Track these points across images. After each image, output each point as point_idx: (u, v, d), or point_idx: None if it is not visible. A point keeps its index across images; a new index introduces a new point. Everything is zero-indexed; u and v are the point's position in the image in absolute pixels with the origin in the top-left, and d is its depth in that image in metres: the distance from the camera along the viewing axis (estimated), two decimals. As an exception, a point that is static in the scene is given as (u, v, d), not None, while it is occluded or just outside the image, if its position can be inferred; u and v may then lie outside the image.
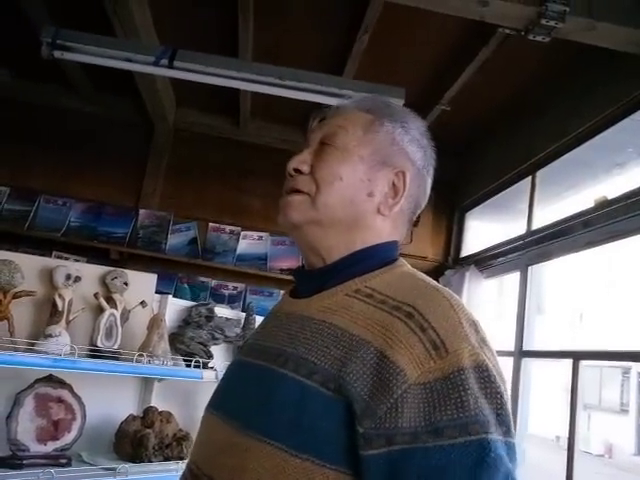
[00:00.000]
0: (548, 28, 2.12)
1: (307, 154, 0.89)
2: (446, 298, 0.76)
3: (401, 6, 2.23)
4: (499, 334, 3.53)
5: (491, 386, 0.68)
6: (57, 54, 2.48)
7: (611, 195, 2.54)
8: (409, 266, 0.87)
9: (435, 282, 0.81)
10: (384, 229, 0.89)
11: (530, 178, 3.29)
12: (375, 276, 0.83)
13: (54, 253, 3.78)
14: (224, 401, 0.87)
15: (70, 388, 1.92)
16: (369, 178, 0.87)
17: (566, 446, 2.56)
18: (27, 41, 2.92)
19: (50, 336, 1.86)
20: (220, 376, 1.03)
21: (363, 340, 0.73)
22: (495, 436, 0.66)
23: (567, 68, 2.84)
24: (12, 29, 3.23)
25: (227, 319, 2.49)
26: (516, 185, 3.47)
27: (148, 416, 2.03)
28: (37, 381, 1.86)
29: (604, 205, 2.55)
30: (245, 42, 3.00)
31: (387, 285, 0.80)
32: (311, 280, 0.88)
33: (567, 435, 2.58)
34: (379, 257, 0.87)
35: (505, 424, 0.68)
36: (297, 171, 0.88)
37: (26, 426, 1.82)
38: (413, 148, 0.92)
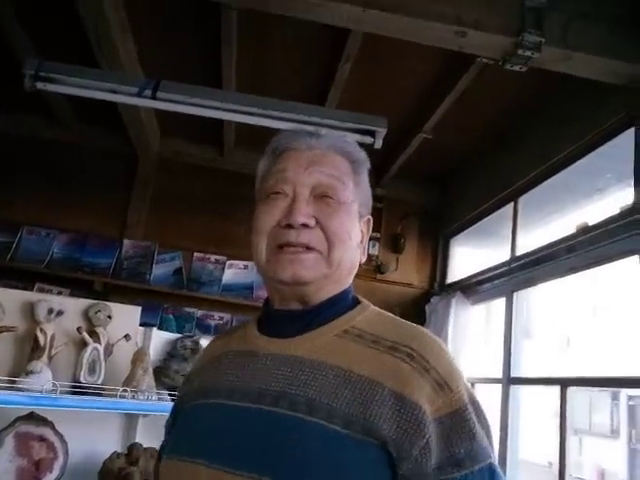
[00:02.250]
0: (525, 58, 2.17)
1: (307, 206, 0.86)
2: (432, 338, 0.83)
3: (381, 36, 2.27)
4: (486, 360, 3.52)
5: (483, 416, 0.79)
6: (40, 86, 2.47)
7: (593, 221, 2.57)
8: (372, 305, 0.92)
9: (406, 320, 0.88)
10: None
11: (512, 204, 3.33)
12: (355, 316, 0.87)
13: (37, 285, 3.74)
14: (213, 448, 0.78)
15: (52, 426, 1.87)
16: (358, 229, 0.92)
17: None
18: (9, 72, 2.93)
19: (32, 372, 1.82)
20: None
21: (374, 381, 0.76)
22: (494, 458, 0.77)
23: (546, 95, 2.89)
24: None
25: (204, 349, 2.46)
26: (499, 211, 3.51)
27: (133, 453, 1.98)
28: (18, 419, 1.82)
29: (586, 231, 2.58)
30: (228, 73, 3.03)
31: (371, 325, 0.85)
32: (291, 321, 0.87)
33: (557, 462, 2.57)
34: (349, 297, 0.91)
35: (493, 446, 0.79)
36: (303, 225, 0.85)
37: (6, 466, 1.77)
38: (370, 192, 0.97)
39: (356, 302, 0.91)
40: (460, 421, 0.74)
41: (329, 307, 0.87)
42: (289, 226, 0.84)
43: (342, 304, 0.88)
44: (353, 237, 0.88)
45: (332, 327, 0.84)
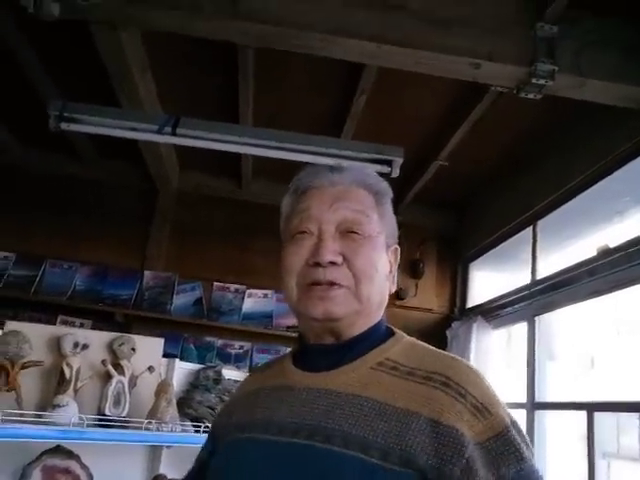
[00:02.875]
0: (539, 86, 2.19)
1: (333, 243, 0.86)
2: (467, 366, 0.83)
3: (396, 69, 2.31)
4: (510, 384, 3.48)
5: (525, 436, 0.78)
6: (64, 126, 2.56)
7: (613, 243, 2.56)
8: (406, 335, 0.93)
9: (441, 350, 0.88)
10: None
11: (531, 228, 3.33)
12: (389, 348, 0.87)
13: (60, 317, 3.79)
14: None
15: (78, 459, 1.89)
16: (387, 261, 0.92)
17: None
18: (33, 112, 3.02)
19: (58, 406, 1.85)
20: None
21: (410, 412, 0.76)
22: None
23: (561, 121, 2.91)
24: (20, 101, 3.34)
25: (235, 381, 2.47)
26: (518, 235, 3.51)
27: (157, 485, 1.99)
28: (44, 452, 1.84)
29: (607, 254, 2.57)
30: (245, 107, 3.09)
31: (405, 356, 0.85)
32: (326, 355, 0.88)
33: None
34: (382, 329, 0.92)
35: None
36: (330, 263, 0.85)
37: (33, 500, 1.79)
38: (395, 221, 0.98)
39: (390, 333, 0.91)
40: (505, 443, 0.74)
41: (363, 340, 0.87)
42: (317, 264, 0.85)
43: (375, 336, 0.89)
44: (380, 270, 0.88)
45: (366, 360, 0.85)
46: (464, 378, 0.79)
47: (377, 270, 0.88)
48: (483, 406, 0.76)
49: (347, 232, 0.88)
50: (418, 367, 0.82)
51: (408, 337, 0.92)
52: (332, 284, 0.85)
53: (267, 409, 0.87)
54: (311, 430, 0.78)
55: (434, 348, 0.88)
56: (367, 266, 0.86)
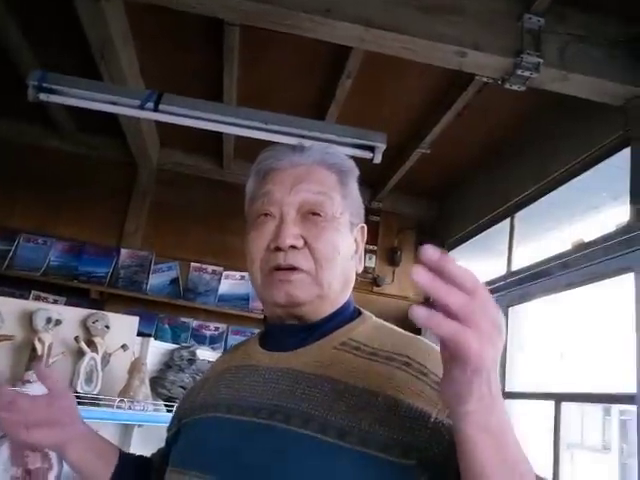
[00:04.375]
0: (524, 78, 2.20)
1: (294, 226, 0.85)
2: (430, 345, 0.82)
3: (382, 53, 2.30)
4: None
5: None
6: (43, 97, 2.49)
7: (588, 238, 2.60)
8: (374, 316, 0.92)
9: (406, 331, 0.88)
10: None
11: (509, 220, 3.36)
12: (354, 328, 0.87)
13: (33, 293, 3.74)
14: (209, 462, 0.81)
15: (47, 435, 1.87)
16: (351, 241, 0.91)
17: (550, 489, 2.55)
18: (12, 82, 2.95)
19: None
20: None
21: (370, 391, 0.76)
22: None
23: (544, 113, 2.93)
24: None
25: (209, 362, 2.47)
26: (496, 226, 3.54)
27: (127, 463, 1.98)
28: (14, 428, 1.82)
29: (582, 247, 2.61)
30: (229, 87, 3.05)
31: (368, 337, 0.85)
32: (290, 335, 0.88)
33: (551, 478, 2.57)
34: (350, 309, 0.92)
35: None
36: (291, 247, 0.84)
37: (1, 476, 1.77)
38: (361, 199, 0.96)
39: (357, 314, 0.91)
40: None
41: (328, 321, 0.87)
42: (278, 249, 0.84)
43: (341, 317, 0.88)
44: (343, 252, 0.87)
45: (330, 340, 0.85)
46: (425, 357, 0.78)
47: (339, 252, 0.86)
48: None
49: (309, 214, 0.86)
50: (381, 347, 0.81)
51: (375, 319, 0.91)
52: (293, 268, 0.84)
53: (231, 389, 0.87)
54: (272, 410, 0.79)
55: (400, 329, 0.88)
56: (328, 249, 0.85)
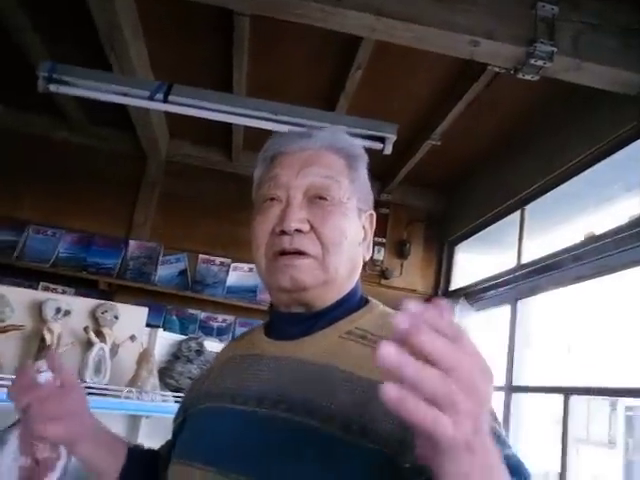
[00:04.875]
0: (537, 67, 2.17)
1: (300, 210, 0.84)
2: None
3: (393, 43, 2.28)
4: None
5: (493, 412, 0.74)
6: (53, 88, 2.49)
7: (600, 230, 2.57)
8: (381, 304, 0.90)
9: None
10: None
11: (519, 212, 3.33)
12: (360, 317, 0.86)
13: (42, 284, 3.75)
14: (211, 452, 0.80)
15: (56, 425, 1.88)
16: (359, 227, 0.90)
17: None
18: (22, 73, 2.94)
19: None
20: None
21: (374, 382, 0.73)
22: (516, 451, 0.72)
23: (556, 104, 2.89)
24: (7, 62, 3.25)
25: (217, 353, 2.46)
26: (505, 219, 3.51)
27: (136, 454, 1.98)
28: (23, 417, 1.82)
29: (593, 240, 2.58)
30: (239, 77, 3.04)
31: (375, 325, 0.83)
32: (296, 323, 0.86)
33: (559, 471, 2.56)
34: (356, 297, 0.90)
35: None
36: (297, 230, 0.83)
37: (9, 465, 1.77)
38: (370, 186, 0.94)
39: (364, 302, 0.90)
40: None
41: (334, 309, 0.86)
42: (283, 232, 0.83)
43: (347, 305, 0.87)
44: (350, 237, 0.86)
45: (336, 328, 0.83)
46: None
47: (346, 237, 0.85)
48: None
49: (315, 198, 0.85)
50: (387, 336, 0.79)
51: (383, 307, 0.89)
52: (299, 253, 0.82)
53: (235, 378, 0.86)
54: (275, 399, 0.77)
55: None
56: (335, 234, 0.83)
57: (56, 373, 0.88)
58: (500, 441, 0.70)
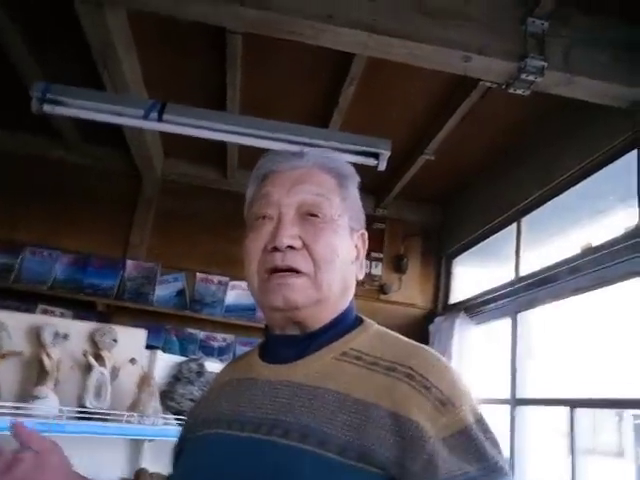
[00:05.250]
0: (528, 82, 2.19)
1: (292, 227, 0.83)
2: (434, 356, 0.80)
3: (385, 59, 2.29)
4: (490, 380, 3.50)
5: (491, 435, 0.75)
6: (47, 108, 2.49)
7: (596, 242, 2.58)
8: (376, 324, 0.90)
9: (410, 339, 0.85)
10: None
11: (516, 224, 3.34)
12: (354, 337, 0.85)
13: (40, 307, 3.72)
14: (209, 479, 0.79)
15: (57, 452, 1.86)
16: (351, 245, 0.90)
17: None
18: (16, 94, 2.95)
19: (37, 398, 1.81)
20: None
21: (371, 404, 0.74)
22: (510, 476, 0.74)
23: (549, 117, 2.92)
24: (1, 83, 3.25)
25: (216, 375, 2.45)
26: (502, 231, 3.52)
27: (140, 479, 1.96)
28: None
29: (590, 252, 2.59)
30: (233, 95, 3.05)
31: (370, 346, 0.83)
32: (290, 345, 0.86)
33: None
34: (351, 317, 0.89)
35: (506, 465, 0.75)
36: (289, 247, 0.83)
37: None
38: (361, 205, 0.95)
39: (359, 322, 0.89)
40: (467, 441, 0.71)
41: (327, 330, 0.85)
42: (275, 249, 0.82)
43: (341, 326, 0.86)
44: (342, 255, 0.85)
45: (330, 350, 0.83)
46: (429, 369, 0.76)
47: (338, 255, 0.84)
48: (448, 400, 0.73)
49: (307, 215, 0.85)
50: (383, 357, 0.79)
51: (378, 326, 0.89)
52: (291, 270, 0.82)
53: (232, 403, 0.86)
54: (271, 424, 0.77)
55: (403, 337, 0.85)
56: (327, 250, 0.83)
57: (26, 442, 0.82)
58: (493, 469, 0.71)
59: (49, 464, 0.82)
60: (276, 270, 0.82)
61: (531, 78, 2.17)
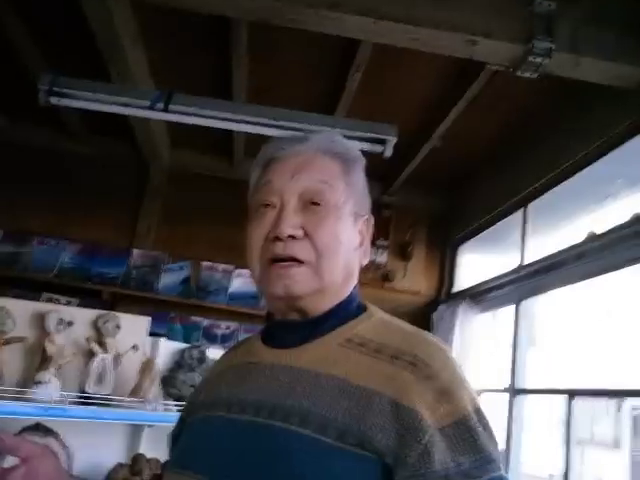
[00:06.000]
0: (535, 64, 2.15)
1: (294, 216, 0.82)
2: (438, 346, 0.79)
3: (391, 46, 2.26)
4: (493, 369, 3.48)
5: (488, 426, 0.75)
6: (54, 100, 2.50)
7: (602, 228, 2.55)
8: (381, 311, 0.89)
9: (415, 327, 0.84)
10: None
11: (522, 211, 3.31)
12: (359, 323, 0.84)
13: (45, 295, 3.74)
14: (208, 463, 0.79)
15: (57, 437, 1.86)
16: (355, 231, 0.88)
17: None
18: (23, 86, 2.95)
19: (40, 383, 1.82)
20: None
21: (372, 391, 0.73)
22: (504, 470, 0.74)
23: (556, 101, 2.88)
24: (8, 74, 3.26)
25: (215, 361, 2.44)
26: (508, 218, 3.49)
27: (137, 464, 1.97)
28: (24, 429, 1.81)
29: (595, 238, 2.56)
30: (239, 84, 3.04)
31: (375, 333, 0.82)
32: (293, 331, 0.85)
33: (562, 473, 2.53)
34: (354, 304, 0.88)
35: (499, 458, 0.75)
36: (290, 236, 0.81)
37: (12, 477, 1.76)
38: (367, 189, 0.93)
39: (363, 309, 0.88)
40: (464, 431, 0.71)
41: (331, 316, 0.84)
42: (277, 238, 0.81)
43: (345, 312, 0.85)
44: (345, 243, 0.84)
45: (334, 336, 0.82)
46: (432, 358, 0.76)
47: (341, 243, 0.83)
48: (449, 389, 0.73)
49: (309, 203, 0.83)
50: (387, 344, 0.79)
51: (383, 314, 0.88)
52: (292, 259, 0.81)
53: (232, 387, 0.85)
54: (271, 408, 0.76)
55: (408, 325, 0.85)
56: (330, 239, 0.82)
57: (14, 453, 0.80)
58: (487, 461, 0.71)
59: (41, 471, 0.82)
60: (277, 259, 0.81)
61: (539, 60, 2.13)
